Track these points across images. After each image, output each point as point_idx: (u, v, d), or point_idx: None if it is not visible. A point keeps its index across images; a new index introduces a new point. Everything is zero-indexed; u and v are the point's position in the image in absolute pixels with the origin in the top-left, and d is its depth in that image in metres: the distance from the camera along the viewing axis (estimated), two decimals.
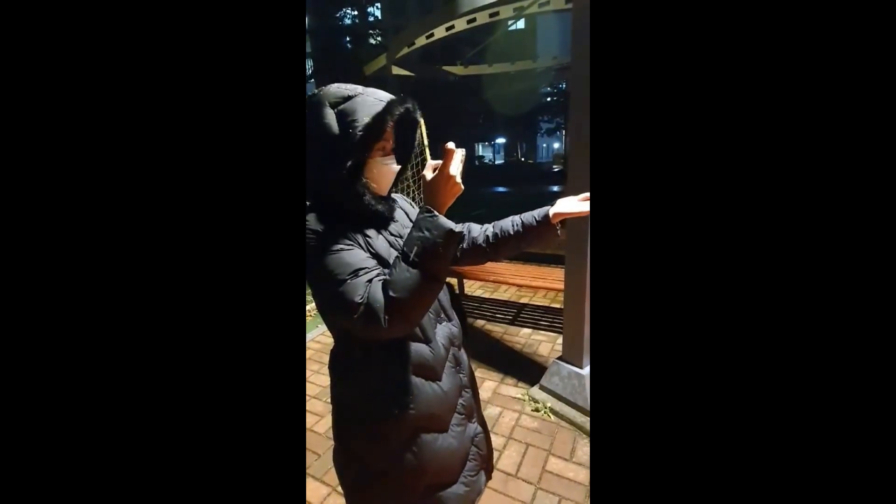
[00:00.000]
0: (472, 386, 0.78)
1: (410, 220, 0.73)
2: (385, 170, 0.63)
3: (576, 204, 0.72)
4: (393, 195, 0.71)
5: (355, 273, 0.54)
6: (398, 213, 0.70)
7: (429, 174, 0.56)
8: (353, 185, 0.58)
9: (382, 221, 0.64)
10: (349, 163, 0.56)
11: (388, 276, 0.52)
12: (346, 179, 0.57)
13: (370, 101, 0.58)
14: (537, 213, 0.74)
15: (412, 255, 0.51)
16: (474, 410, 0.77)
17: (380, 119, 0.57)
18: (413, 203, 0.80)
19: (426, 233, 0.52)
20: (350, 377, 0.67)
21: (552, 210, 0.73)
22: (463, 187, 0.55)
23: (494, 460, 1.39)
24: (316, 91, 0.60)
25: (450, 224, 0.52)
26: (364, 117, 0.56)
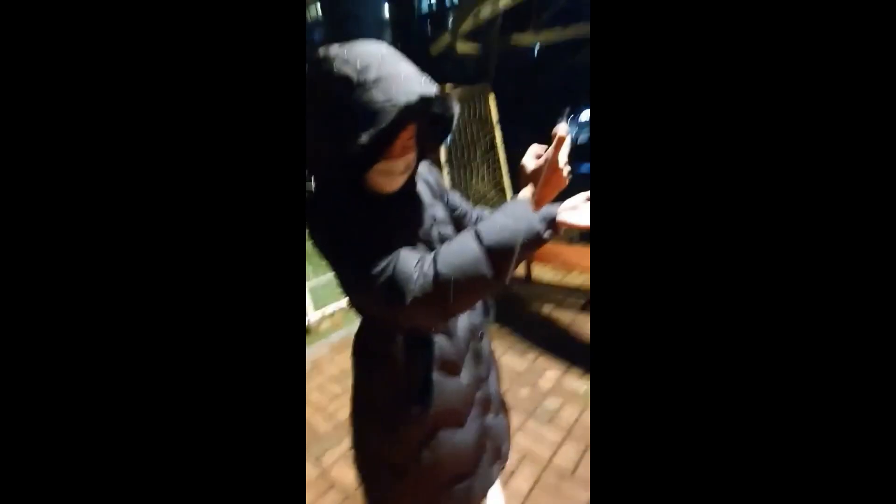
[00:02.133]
0: (492, 377, 0.72)
1: (434, 197, 0.66)
2: (393, 178, 0.53)
3: (580, 213, 0.62)
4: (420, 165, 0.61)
5: (375, 246, 0.48)
6: (421, 192, 0.63)
7: (531, 162, 0.48)
8: (351, 189, 0.53)
9: (394, 217, 0.58)
10: (344, 172, 0.49)
11: (440, 249, 0.46)
12: (342, 183, 0.52)
13: (378, 101, 0.43)
14: (543, 215, 0.65)
15: (486, 238, 0.43)
16: (491, 403, 0.72)
17: (383, 136, 0.45)
18: (439, 176, 0.72)
19: (513, 222, 0.44)
20: (369, 370, 0.65)
21: (558, 217, 0.63)
22: (568, 181, 0.47)
23: (550, 456, 1.32)
24: (321, 55, 0.47)
25: (540, 227, 0.45)
26: (363, 132, 0.43)
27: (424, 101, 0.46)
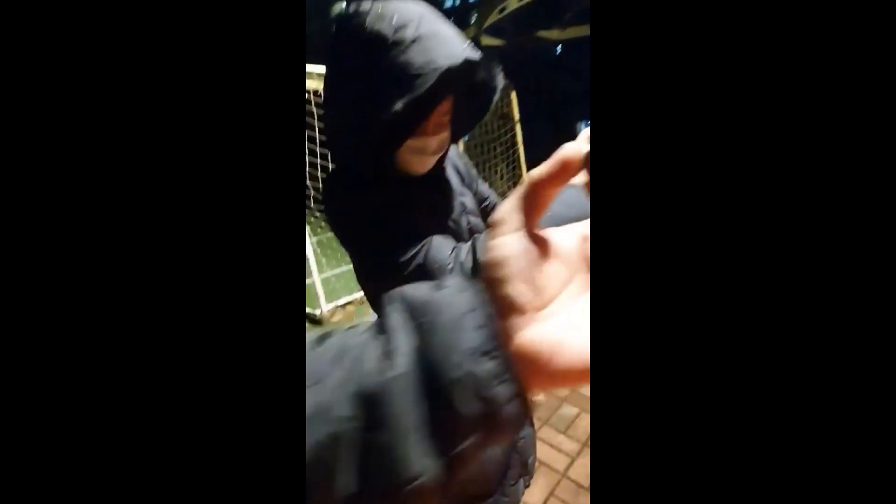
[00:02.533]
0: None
1: (464, 184, 0.61)
2: (424, 158, 0.47)
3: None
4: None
5: (402, 231, 0.43)
6: (451, 178, 0.57)
7: (586, 145, 0.43)
8: (378, 167, 0.47)
9: (423, 202, 0.52)
10: (371, 146, 0.43)
11: (480, 237, 0.41)
12: (368, 160, 0.46)
13: (416, 64, 0.37)
14: None
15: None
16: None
17: (420, 105, 0.38)
18: (469, 163, 0.67)
19: (564, 209, 0.39)
20: None
21: None
22: None
23: (565, 468, 1.26)
24: (350, 10, 0.41)
25: None
26: (397, 99, 0.37)
27: (469, 67, 0.39)
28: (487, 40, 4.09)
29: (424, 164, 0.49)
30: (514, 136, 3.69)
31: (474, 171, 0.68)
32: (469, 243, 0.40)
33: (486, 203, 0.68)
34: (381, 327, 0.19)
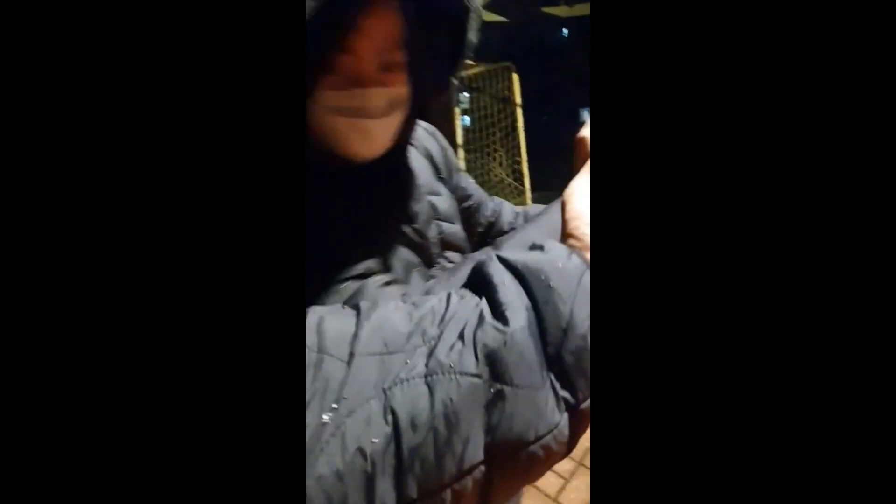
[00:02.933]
0: None
1: (437, 177, 0.45)
2: (367, 130, 0.30)
3: None
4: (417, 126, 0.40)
5: (336, 270, 0.30)
6: (417, 168, 0.40)
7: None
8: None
9: (367, 206, 0.35)
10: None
11: (447, 277, 0.30)
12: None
13: None
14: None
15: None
16: None
17: (335, 15, 0.24)
18: (447, 146, 0.51)
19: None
20: None
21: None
22: None
23: (557, 491, 1.15)
24: None
25: None
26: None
27: None
28: (489, 16, 3.86)
29: (370, 142, 0.31)
30: (515, 120, 3.51)
31: (454, 160, 0.52)
32: (437, 301, 0.25)
33: (470, 203, 0.52)
34: (479, 288, 0.19)
